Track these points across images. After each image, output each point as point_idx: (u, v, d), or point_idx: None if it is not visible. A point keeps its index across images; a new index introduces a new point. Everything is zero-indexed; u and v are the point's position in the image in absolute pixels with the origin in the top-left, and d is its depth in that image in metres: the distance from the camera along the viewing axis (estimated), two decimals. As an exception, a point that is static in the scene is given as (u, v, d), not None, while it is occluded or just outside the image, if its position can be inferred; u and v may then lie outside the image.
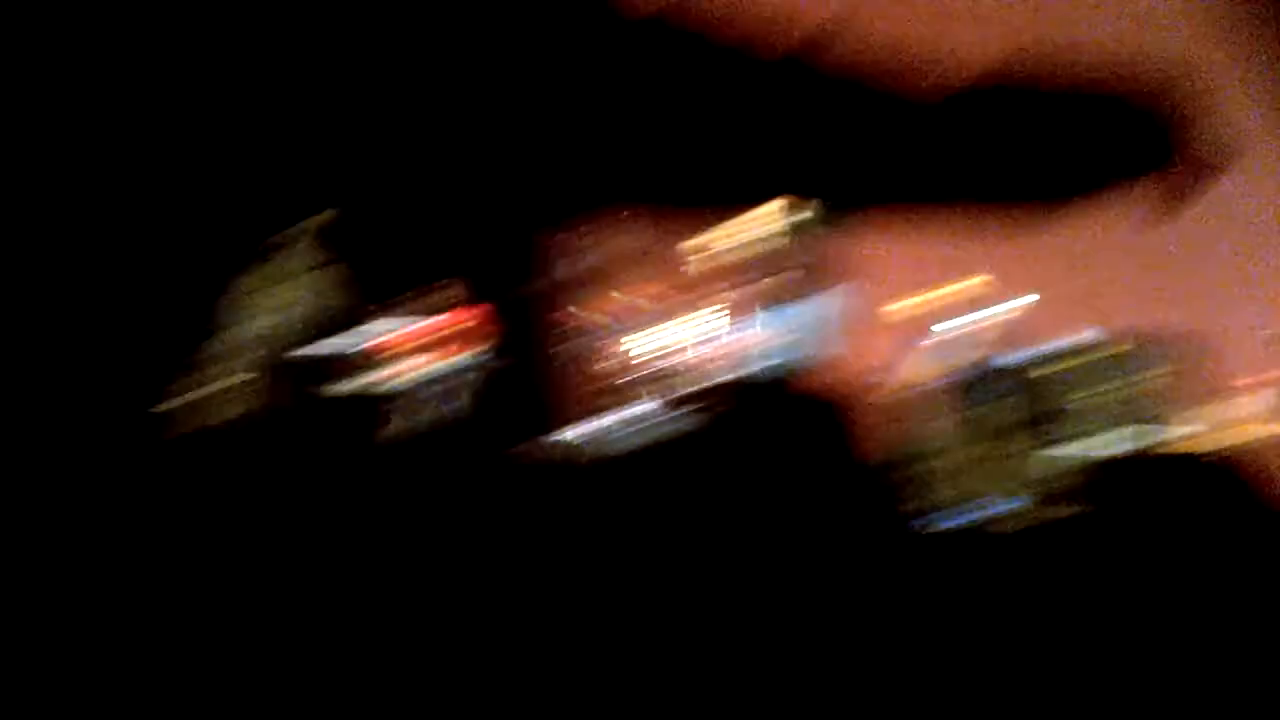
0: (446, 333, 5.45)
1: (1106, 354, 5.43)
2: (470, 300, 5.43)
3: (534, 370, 5.82)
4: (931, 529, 4.24)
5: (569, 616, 2.57)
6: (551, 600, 2.63)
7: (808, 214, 5.59)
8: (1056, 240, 6.65)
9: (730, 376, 5.56)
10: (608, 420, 5.37)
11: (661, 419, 5.35)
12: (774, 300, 5.64)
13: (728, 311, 5.76)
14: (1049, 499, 4.93)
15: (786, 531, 3.27)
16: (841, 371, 5.33)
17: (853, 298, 5.51)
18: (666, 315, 5.87)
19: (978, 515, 4.71)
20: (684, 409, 5.35)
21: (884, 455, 4.84)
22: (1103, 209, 6.53)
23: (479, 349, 5.32)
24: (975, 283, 5.81)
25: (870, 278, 5.51)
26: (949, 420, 5.36)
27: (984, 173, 5.86)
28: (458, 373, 5.30)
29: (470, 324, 5.41)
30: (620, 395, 5.63)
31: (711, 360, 5.72)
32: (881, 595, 2.73)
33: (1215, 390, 5.39)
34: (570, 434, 5.17)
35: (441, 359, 5.39)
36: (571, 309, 5.87)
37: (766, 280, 5.67)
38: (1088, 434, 5.21)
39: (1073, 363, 5.50)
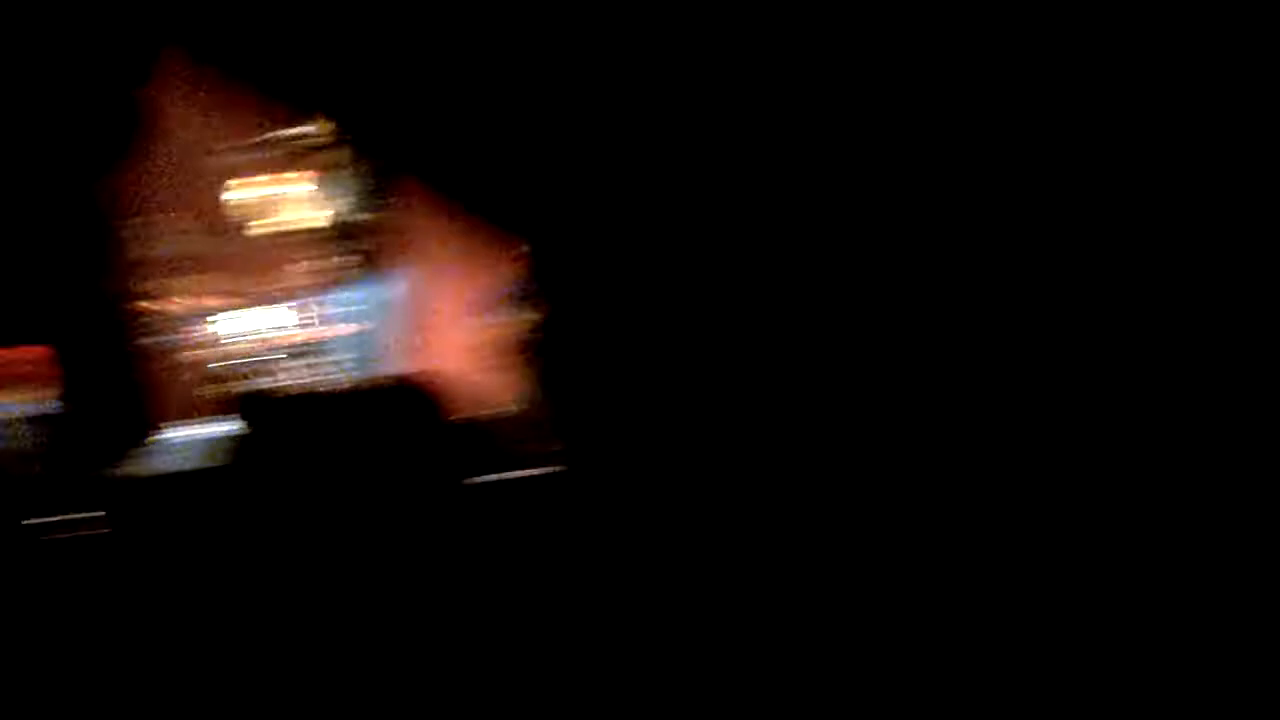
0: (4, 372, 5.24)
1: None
2: (28, 339, 5.29)
3: (110, 388, 5.72)
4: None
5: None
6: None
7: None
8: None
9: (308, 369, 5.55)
10: (189, 431, 5.28)
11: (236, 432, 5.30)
12: (340, 281, 5.57)
13: (299, 296, 5.79)
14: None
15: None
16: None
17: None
18: (239, 305, 5.89)
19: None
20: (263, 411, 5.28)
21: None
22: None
23: (41, 392, 5.17)
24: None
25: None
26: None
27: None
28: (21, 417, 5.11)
29: (28, 365, 5.22)
30: (208, 388, 5.66)
31: (289, 349, 5.68)
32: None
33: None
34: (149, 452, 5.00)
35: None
36: (146, 304, 5.83)
37: (333, 259, 5.62)
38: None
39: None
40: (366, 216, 5.55)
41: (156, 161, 6.51)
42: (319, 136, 5.56)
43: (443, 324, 5.65)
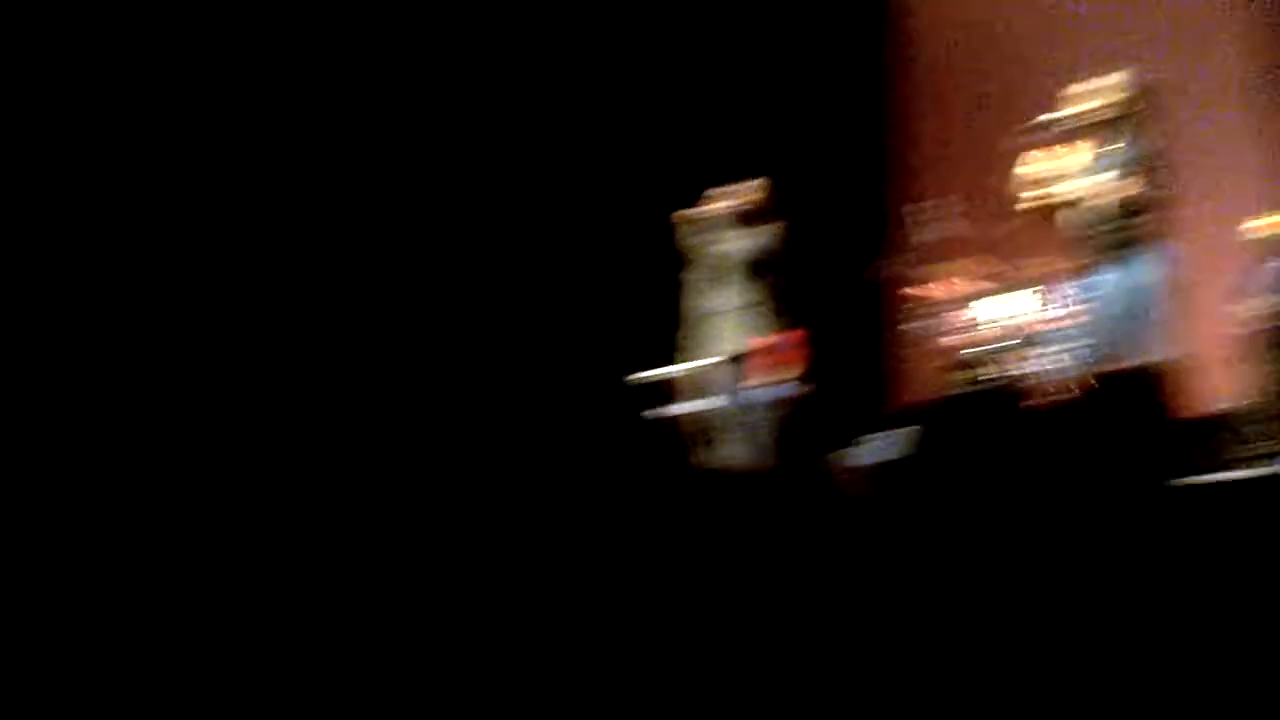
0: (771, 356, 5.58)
1: None
2: (789, 324, 5.58)
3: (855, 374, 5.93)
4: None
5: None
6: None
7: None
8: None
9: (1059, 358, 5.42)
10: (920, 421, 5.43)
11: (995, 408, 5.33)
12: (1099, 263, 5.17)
13: (1053, 280, 5.66)
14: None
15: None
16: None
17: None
18: (995, 290, 5.89)
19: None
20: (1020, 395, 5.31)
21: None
22: None
23: (793, 374, 5.44)
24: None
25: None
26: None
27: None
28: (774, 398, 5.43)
29: (788, 351, 5.53)
30: (961, 371, 5.71)
31: (1033, 335, 5.66)
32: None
33: None
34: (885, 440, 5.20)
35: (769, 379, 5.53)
36: (908, 290, 6.03)
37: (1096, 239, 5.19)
38: None
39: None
40: (1141, 194, 5.04)
41: (931, 145, 6.66)
42: (1104, 110, 5.16)
43: (1197, 310, 5.31)
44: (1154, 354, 4.81)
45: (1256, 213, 5.49)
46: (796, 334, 5.65)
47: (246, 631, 2.46)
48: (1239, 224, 5.50)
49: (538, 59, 6.35)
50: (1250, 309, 5.13)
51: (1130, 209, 5.00)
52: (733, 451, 5.37)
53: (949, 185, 6.49)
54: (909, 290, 6.00)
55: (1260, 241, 5.38)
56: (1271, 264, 5.28)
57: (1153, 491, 3.79)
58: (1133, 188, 4.97)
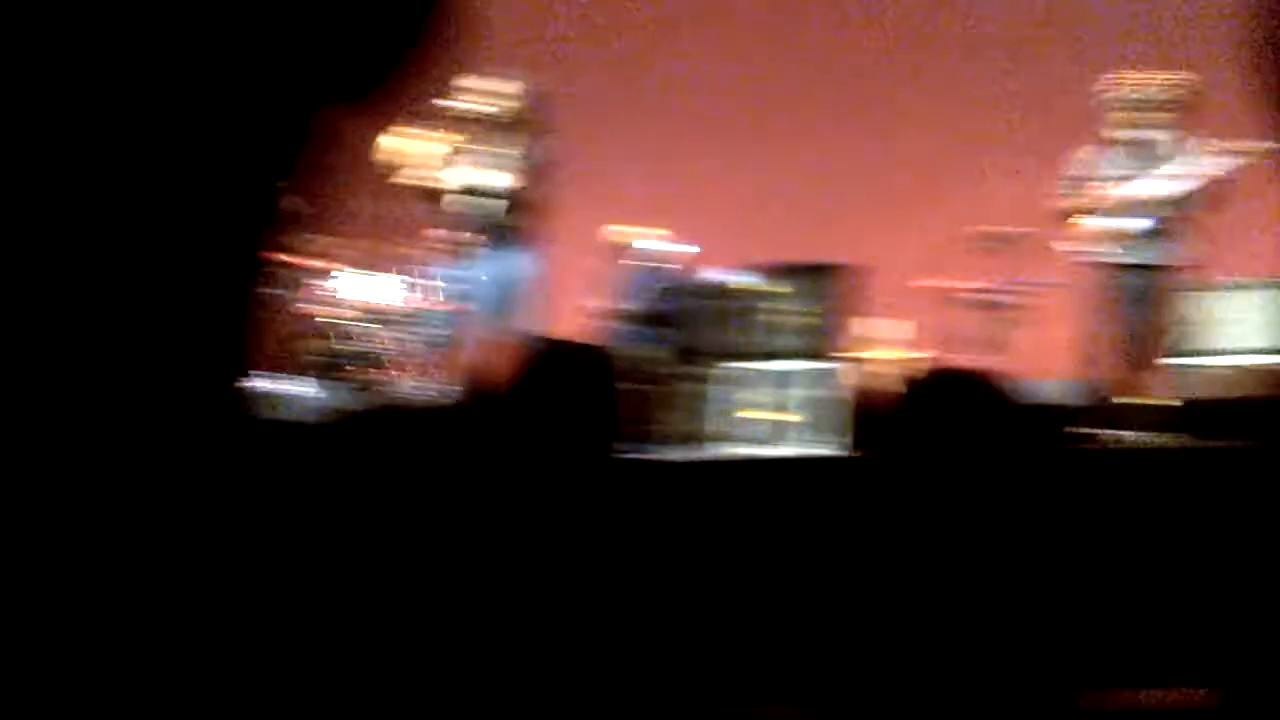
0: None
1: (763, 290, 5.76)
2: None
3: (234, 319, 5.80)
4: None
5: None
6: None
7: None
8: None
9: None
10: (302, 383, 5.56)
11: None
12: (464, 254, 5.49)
13: (418, 265, 6.03)
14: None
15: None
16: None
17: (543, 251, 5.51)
18: (368, 265, 6.16)
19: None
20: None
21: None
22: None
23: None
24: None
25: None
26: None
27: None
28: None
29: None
30: (313, 340, 5.86)
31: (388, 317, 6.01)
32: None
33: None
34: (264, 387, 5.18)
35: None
36: (279, 256, 5.45)
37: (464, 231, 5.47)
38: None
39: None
40: (522, 192, 5.36)
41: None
42: (496, 108, 5.39)
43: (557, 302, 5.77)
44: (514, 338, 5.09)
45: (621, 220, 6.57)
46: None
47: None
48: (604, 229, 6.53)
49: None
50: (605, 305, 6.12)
51: (510, 205, 5.31)
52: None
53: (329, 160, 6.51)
54: (280, 256, 5.42)
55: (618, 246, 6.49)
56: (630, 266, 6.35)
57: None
58: (516, 185, 5.31)
